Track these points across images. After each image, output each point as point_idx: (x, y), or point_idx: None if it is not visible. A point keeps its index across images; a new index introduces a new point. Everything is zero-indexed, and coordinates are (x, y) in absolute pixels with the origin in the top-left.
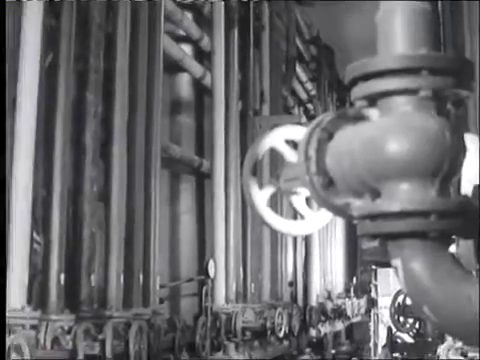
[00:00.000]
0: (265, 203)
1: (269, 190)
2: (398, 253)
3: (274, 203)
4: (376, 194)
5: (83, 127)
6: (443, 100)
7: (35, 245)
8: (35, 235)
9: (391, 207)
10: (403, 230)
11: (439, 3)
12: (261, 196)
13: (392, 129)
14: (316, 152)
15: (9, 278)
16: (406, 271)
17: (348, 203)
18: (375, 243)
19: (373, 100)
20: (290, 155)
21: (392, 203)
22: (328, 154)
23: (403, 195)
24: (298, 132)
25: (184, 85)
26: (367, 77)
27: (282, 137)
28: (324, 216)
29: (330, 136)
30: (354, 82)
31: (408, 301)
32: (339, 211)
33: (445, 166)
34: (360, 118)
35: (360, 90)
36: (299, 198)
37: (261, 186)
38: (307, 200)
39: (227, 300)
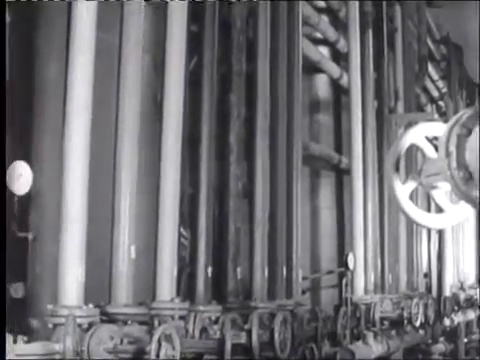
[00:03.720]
0: (407, 197)
1: (411, 185)
2: None
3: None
4: None
5: (227, 128)
6: None
7: (182, 240)
8: (182, 230)
9: None
10: None
11: None
12: (403, 190)
13: None
14: (456, 148)
15: (159, 271)
16: None
17: None
18: None
19: None
20: (430, 151)
21: None
22: (467, 149)
23: None
24: (437, 129)
25: (322, 85)
26: None
27: (422, 134)
28: (464, 209)
29: (469, 132)
30: None
31: None
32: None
33: None
34: None
35: None
36: (440, 192)
37: (403, 181)
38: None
39: (366, 291)
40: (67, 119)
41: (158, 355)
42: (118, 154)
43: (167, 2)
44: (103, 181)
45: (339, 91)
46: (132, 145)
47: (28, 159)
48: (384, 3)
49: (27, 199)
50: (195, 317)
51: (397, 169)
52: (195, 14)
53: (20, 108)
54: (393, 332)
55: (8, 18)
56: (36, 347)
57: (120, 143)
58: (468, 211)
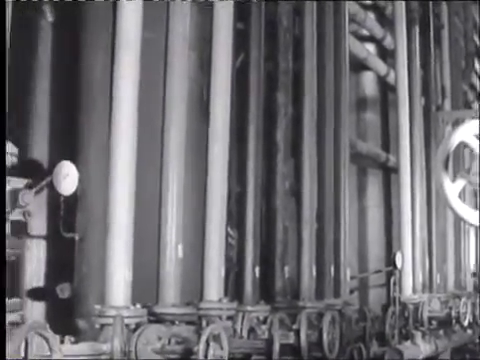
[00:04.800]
0: (456, 195)
1: (460, 183)
2: None
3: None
4: None
5: (274, 126)
6: None
7: (230, 239)
8: (230, 229)
9: None
10: None
11: None
12: (453, 188)
13: None
14: None
15: (207, 271)
16: None
17: None
18: None
19: None
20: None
21: None
22: None
23: None
24: None
25: (369, 83)
26: None
27: (472, 132)
28: None
29: None
30: None
31: None
32: None
33: None
34: None
35: None
36: None
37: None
38: None
39: (414, 290)
40: (113, 119)
41: (206, 355)
42: (165, 153)
43: (213, 0)
44: (150, 181)
45: (386, 88)
46: (179, 144)
47: (74, 159)
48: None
49: (73, 199)
50: (243, 317)
51: (446, 167)
52: (241, 12)
53: (66, 108)
54: (441, 332)
55: (50, 18)
56: (83, 347)
57: (167, 142)
58: None
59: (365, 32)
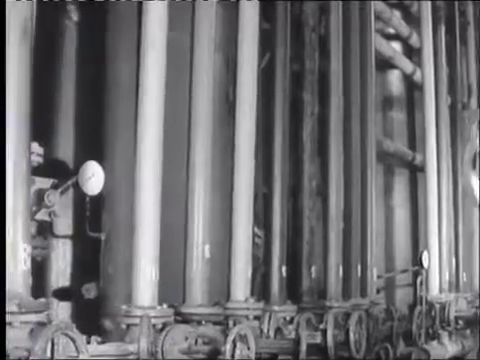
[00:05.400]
0: None
1: None
2: None
3: None
4: None
5: (300, 126)
6: None
7: (256, 239)
8: (256, 229)
9: None
10: None
11: None
12: None
13: None
14: None
15: (233, 271)
16: None
17: None
18: None
19: None
20: None
21: None
22: None
23: None
24: None
25: (395, 81)
26: None
27: None
28: None
29: None
30: None
31: None
32: None
33: None
34: None
35: None
36: None
37: None
38: None
39: (441, 289)
40: (139, 118)
41: (233, 356)
42: (191, 153)
43: (239, 0)
44: (176, 180)
45: (412, 87)
46: (205, 144)
47: (100, 159)
48: None
49: (99, 199)
50: (270, 317)
51: (474, 166)
52: (267, 12)
53: (92, 108)
54: (468, 331)
55: (76, 18)
56: (110, 348)
57: (193, 142)
58: None
59: (391, 30)
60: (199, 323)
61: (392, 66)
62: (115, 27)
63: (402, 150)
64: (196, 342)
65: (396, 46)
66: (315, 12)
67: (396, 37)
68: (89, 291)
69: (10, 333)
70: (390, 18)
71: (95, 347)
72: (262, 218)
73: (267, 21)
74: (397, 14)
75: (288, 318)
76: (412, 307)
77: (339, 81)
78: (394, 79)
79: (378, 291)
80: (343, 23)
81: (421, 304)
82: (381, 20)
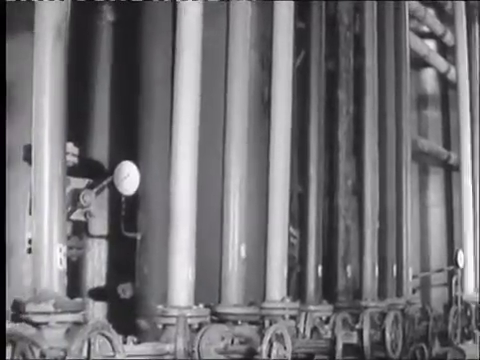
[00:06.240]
0: None
1: None
2: None
3: None
4: None
5: (336, 125)
6: None
7: (292, 239)
8: (292, 229)
9: None
10: None
11: None
12: None
13: None
14: None
15: (269, 271)
16: None
17: None
18: None
19: None
20: None
21: None
22: None
23: None
24: None
25: (429, 80)
26: None
27: None
28: None
29: None
30: None
31: None
32: None
33: None
34: None
35: None
36: None
37: None
38: None
39: (476, 289)
40: (175, 118)
41: (269, 355)
42: (227, 153)
43: None
44: (212, 180)
45: (447, 85)
46: (241, 143)
47: (135, 159)
48: None
49: (134, 199)
50: (306, 317)
51: None
52: (301, 11)
53: (127, 108)
54: None
55: (111, 18)
56: (146, 348)
57: (229, 141)
58: None
59: (425, 29)
60: (235, 323)
61: (426, 64)
62: (150, 27)
63: (437, 149)
64: (232, 342)
65: (430, 44)
66: (350, 11)
67: (430, 35)
68: (125, 291)
69: (46, 333)
70: (424, 16)
71: (131, 347)
72: (297, 218)
73: (302, 20)
74: (431, 12)
75: (324, 318)
76: (447, 307)
77: (374, 79)
78: (428, 77)
79: (414, 291)
80: (378, 21)
81: (456, 304)
82: (415, 18)
